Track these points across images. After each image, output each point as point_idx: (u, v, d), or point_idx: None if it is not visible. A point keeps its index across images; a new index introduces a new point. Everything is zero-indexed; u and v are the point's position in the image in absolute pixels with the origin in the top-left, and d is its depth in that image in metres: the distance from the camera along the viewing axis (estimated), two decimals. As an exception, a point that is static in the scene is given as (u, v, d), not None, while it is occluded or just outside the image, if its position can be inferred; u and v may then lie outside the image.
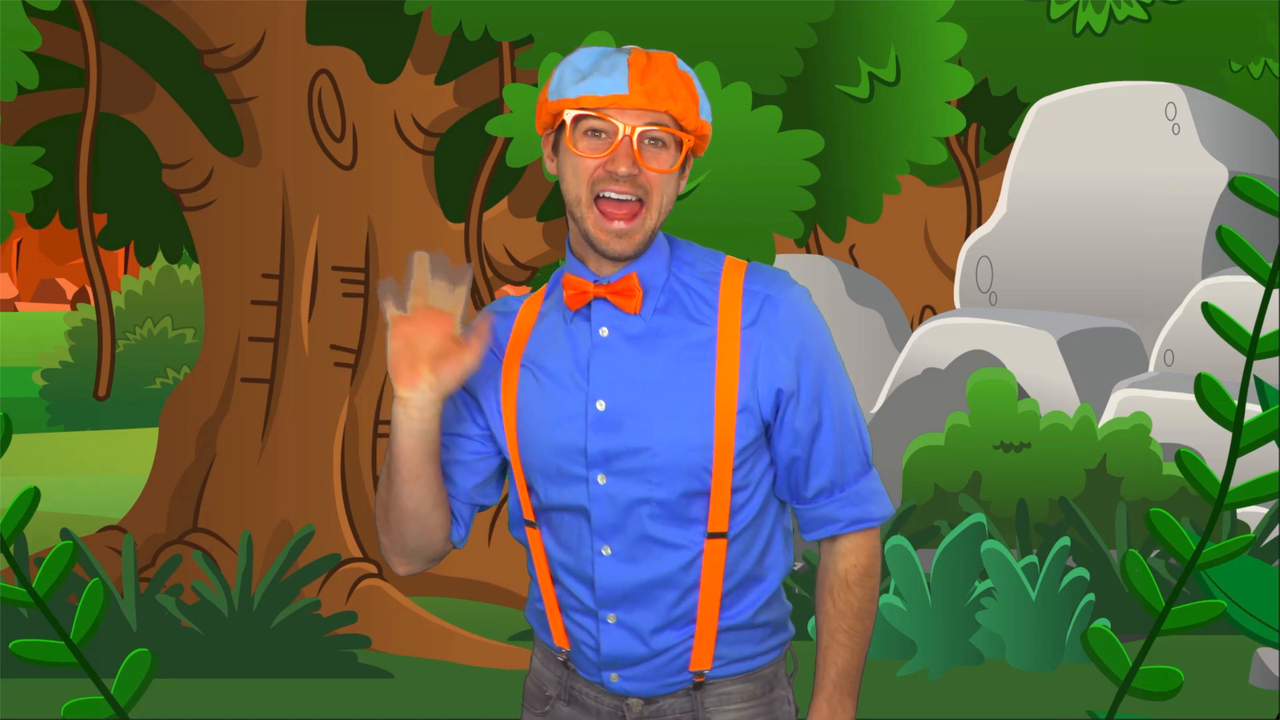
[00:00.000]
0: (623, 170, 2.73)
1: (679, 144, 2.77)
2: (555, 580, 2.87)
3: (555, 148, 2.81)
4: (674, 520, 2.80)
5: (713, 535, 2.81)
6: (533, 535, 2.88)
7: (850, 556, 2.89)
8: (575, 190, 2.77)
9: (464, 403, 2.91)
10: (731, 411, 2.77)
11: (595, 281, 2.80)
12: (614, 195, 2.75)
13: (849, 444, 2.86)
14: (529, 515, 2.88)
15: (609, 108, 2.74)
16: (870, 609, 2.89)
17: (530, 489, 2.86)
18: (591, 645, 2.86)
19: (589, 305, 2.82)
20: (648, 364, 2.79)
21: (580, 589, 2.84)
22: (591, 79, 2.75)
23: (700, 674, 2.86)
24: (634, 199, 2.76)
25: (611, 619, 2.84)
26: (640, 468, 2.78)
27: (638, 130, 2.74)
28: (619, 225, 2.76)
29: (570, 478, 2.81)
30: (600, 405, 2.79)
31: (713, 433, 2.77)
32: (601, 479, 2.80)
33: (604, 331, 2.81)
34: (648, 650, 2.84)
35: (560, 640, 2.90)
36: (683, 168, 2.81)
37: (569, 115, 2.75)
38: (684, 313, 2.81)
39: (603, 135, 2.75)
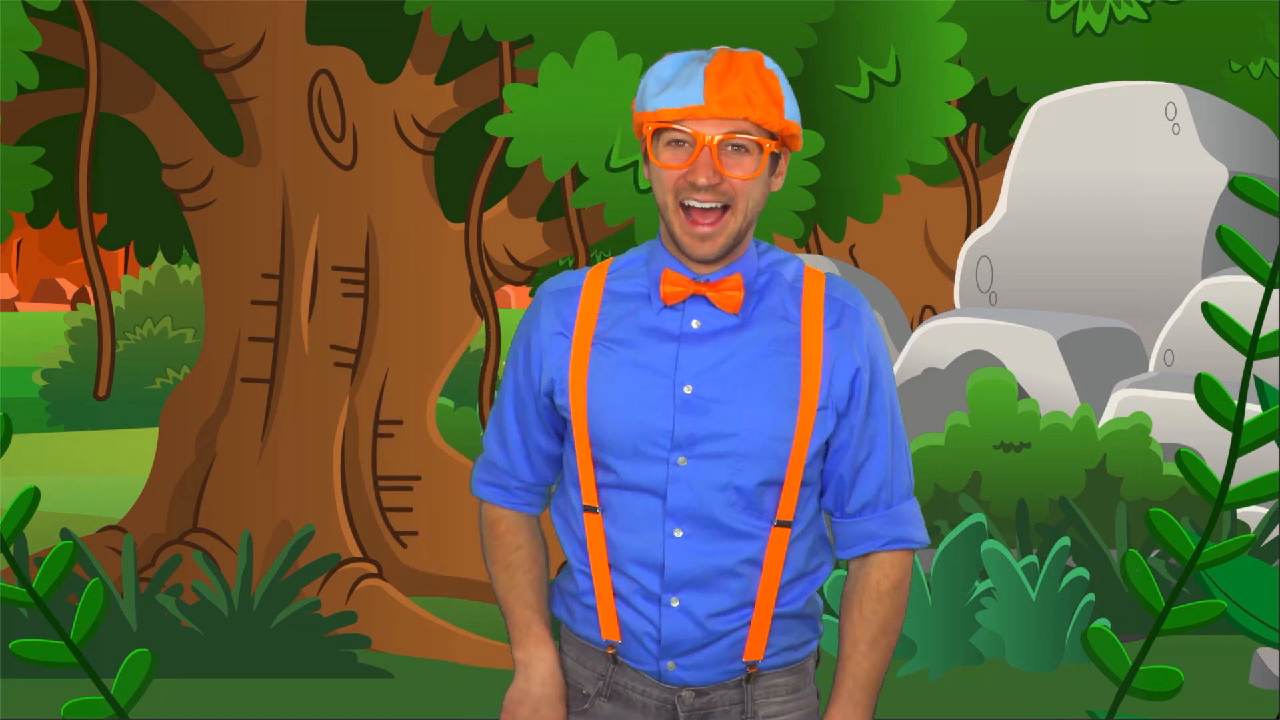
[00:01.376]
0: (702, 181, 2.78)
1: (762, 148, 2.80)
2: (614, 567, 2.89)
3: (645, 157, 2.88)
4: (747, 508, 2.85)
5: (779, 524, 2.87)
6: (591, 521, 2.89)
7: (885, 569, 2.96)
8: (662, 198, 2.83)
9: (533, 384, 2.94)
10: (813, 406, 2.85)
11: (695, 279, 2.85)
12: (697, 204, 2.80)
13: (899, 465, 2.95)
14: (590, 500, 2.88)
15: (686, 120, 2.78)
16: (896, 624, 2.98)
17: (599, 466, 2.88)
18: (652, 633, 2.88)
19: (684, 301, 2.87)
20: (736, 355, 2.84)
21: (644, 573, 2.87)
22: (670, 91, 2.79)
23: (754, 664, 2.91)
24: (717, 206, 2.81)
25: (675, 603, 2.86)
26: (724, 452, 2.83)
27: (716, 139, 2.78)
28: (703, 229, 2.81)
29: (649, 458, 2.84)
30: (688, 389, 2.83)
31: (795, 425, 2.84)
32: (682, 461, 2.84)
33: (696, 324, 2.86)
34: (706, 636, 2.87)
35: (610, 632, 2.90)
36: (772, 169, 2.85)
37: (649, 129, 2.81)
38: (771, 309, 2.87)
39: (684, 145, 2.80)
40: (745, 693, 2.93)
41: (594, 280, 2.92)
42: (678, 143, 2.80)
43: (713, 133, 2.77)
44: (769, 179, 2.85)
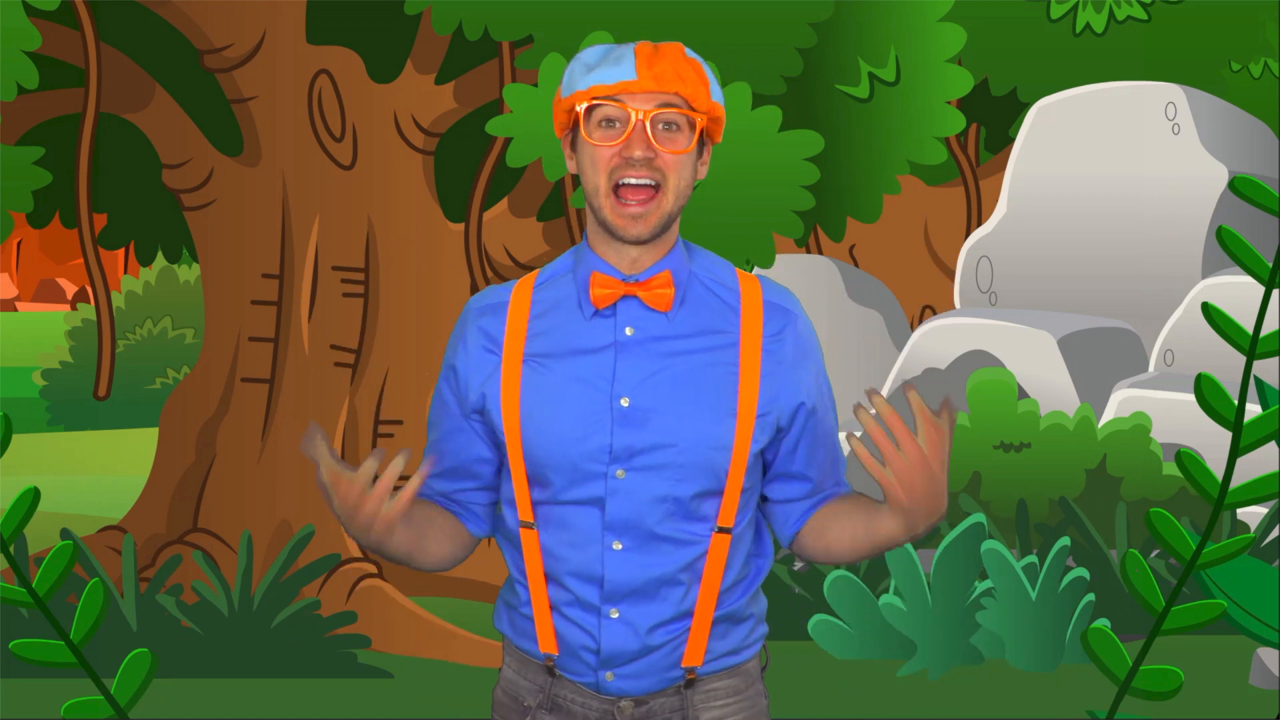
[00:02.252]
0: (638, 154, 2.78)
1: (692, 125, 2.81)
2: (551, 579, 2.87)
3: (574, 145, 2.85)
4: (687, 517, 2.84)
5: (720, 530, 2.86)
6: (527, 537, 2.87)
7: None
8: (594, 180, 2.82)
9: (459, 402, 2.92)
10: (751, 415, 2.83)
11: (624, 279, 2.84)
12: (632, 181, 2.79)
13: (840, 458, 2.97)
14: (525, 516, 2.87)
15: (619, 94, 2.79)
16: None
17: (535, 484, 2.86)
18: (590, 645, 2.86)
19: (614, 304, 2.85)
20: (672, 364, 2.83)
21: (583, 586, 2.85)
22: (600, 69, 2.80)
23: (692, 670, 2.88)
24: (651, 184, 2.80)
25: (614, 614, 2.85)
26: (662, 464, 2.82)
27: (650, 114, 2.79)
28: (634, 209, 2.80)
29: (587, 473, 2.83)
30: (625, 401, 2.82)
31: (734, 434, 2.83)
32: (620, 474, 2.82)
33: (629, 330, 2.84)
34: (644, 645, 2.86)
35: (547, 645, 2.89)
36: (700, 151, 2.85)
37: (581, 107, 2.80)
38: (706, 315, 2.86)
39: (616, 124, 2.80)
40: (685, 699, 2.90)
41: (520, 294, 2.90)
42: (609, 122, 2.80)
43: (644, 107, 2.78)
44: (696, 162, 2.85)
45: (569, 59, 7.67)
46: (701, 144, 2.85)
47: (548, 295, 2.89)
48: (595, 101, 2.80)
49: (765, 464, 2.94)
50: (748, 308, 2.86)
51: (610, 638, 2.85)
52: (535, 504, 2.87)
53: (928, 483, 2.76)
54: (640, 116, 2.78)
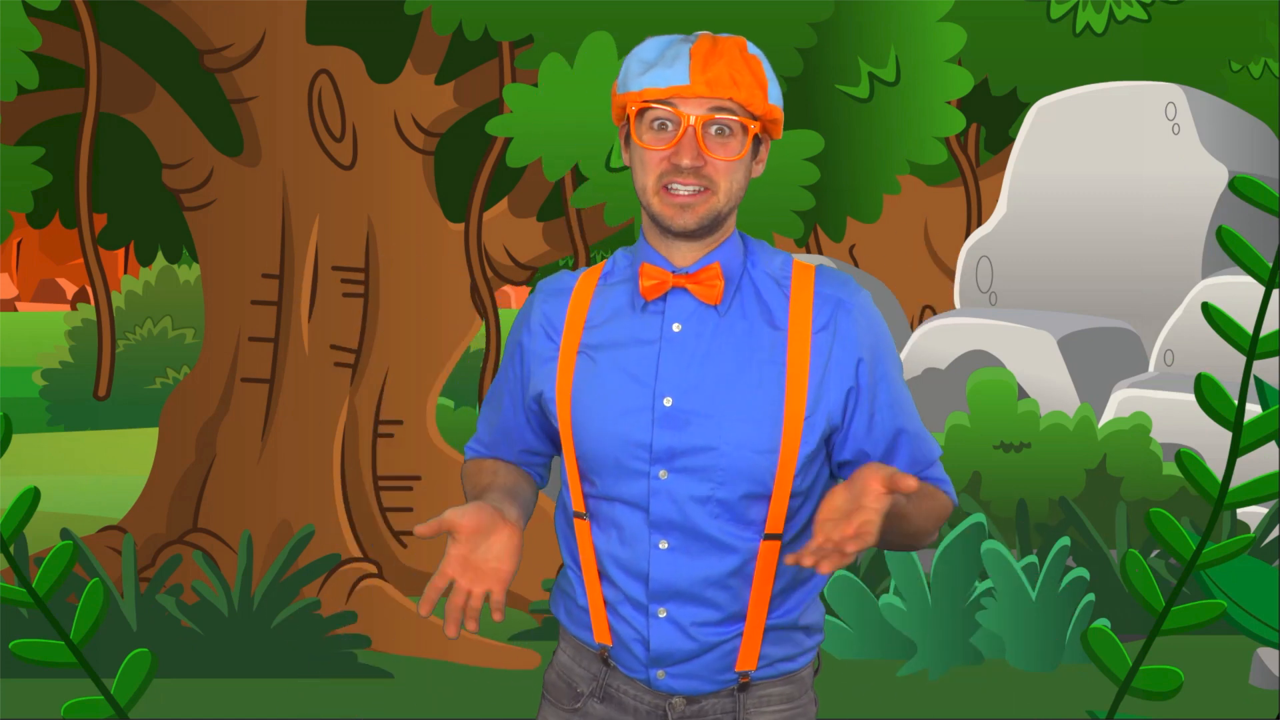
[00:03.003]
0: (686, 162, 2.75)
1: (745, 130, 2.77)
2: (603, 574, 2.86)
3: (626, 140, 2.83)
4: (733, 520, 2.81)
5: (769, 537, 2.82)
6: (580, 527, 2.87)
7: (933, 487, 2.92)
8: (643, 180, 2.80)
9: (522, 385, 2.95)
10: (799, 417, 2.79)
11: (675, 271, 2.81)
12: (680, 188, 2.76)
13: (920, 442, 2.89)
14: (578, 506, 2.86)
15: (671, 98, 2.75)
16: (927, 531, 2.86)
17: (584, 478, 2.85)
18: (640, 641, 2.86)
19: (664, 296, 2.82)
20: (718, 363, 2.80)
21: (631, 583, 2.84)
22: (654, 71, 2.76)
23: (745, 674, 2.87)
24: (699, 189, 2.77)
25: (662, 613, 2.84)
26: (704, 466, 2.79)
27: (700, 120, 2.75)
28: (683, 198, 2.76)
29: (630, 472, 2.81)
30: (667, 401, 2.79)
31: (780, 437, 2.78)
32: (663, 474, 2.80)
33: (676, 327, 2.81)
34: (697, 646, 2.84)
35: (602, 636, 2.88)
36: (754, 153, 2.81)
37: (633, 109, 2.77)
38: (757, 312, 2.82)
39: (668, 127, 2.76)
40: (738, 702, 2.90)
41: (585, 283, 2.89)
42: (661, 124, 2.77)
43: (697, 112, 2.74)
44: (750, 163, 2.81)
45: (569, 59, 7.70)
46: (758, 143, 2.82)
47: (609, 287, 2.88)
48: (646, 104, 2.76)
49: (832, 461, 2.88)
50: (797, 300, 2.82)
51: (659, 636, 2.84)
52: (586, 497, 2.86)
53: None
54: (692, 122, 2.74)
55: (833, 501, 2.62)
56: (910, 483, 2.58)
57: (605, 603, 2.87)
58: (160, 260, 17.74)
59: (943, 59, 8.59)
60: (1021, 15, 12.11)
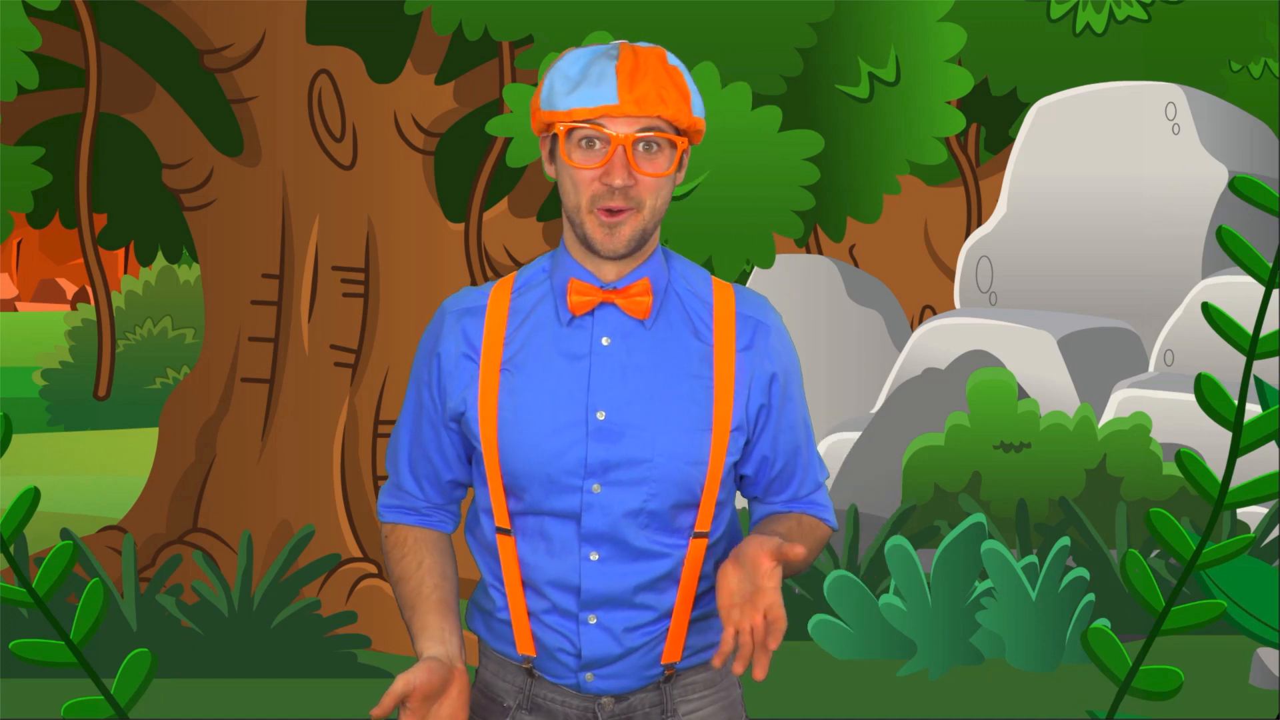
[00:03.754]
0: (618, 182, 2.75)
1: (674, 146, 2.79)
2: (529, 586, 2.87)
3: (551, 155, 2.83)
4: (662, 529, 2.84)
5: (696, 535, 2.86)
6: (504, 544, 2.86)
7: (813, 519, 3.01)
8: (574, 200, 2.79)
9: (440, 410, 2.90)
10: (726, 429, 2.84)
11: (603, 287, 2.82)
12: (611, 207, 2.77)
13: (813, 459, 2.98)
14: (502, 523, 2.86)
15: (600, 118, 2.75)
16: (815, 550, 2.96)
17: (510, 495, 2.85)
18: (570, 649, 2.87)
19: (591, 311, 2.83)
20: (648, 375, 2.82)
21: (560, 594, 2.85)
22: (581, 89, 2.76)
23: (671, 666, 2.90)
24: (630, 207, 2.78)
25: (592, 620, 2.85)
26: (638, 479, 2.81)
27: (631, 138, 2.76)
28: (612, 221, 2.77)
29: (563, 486, 2.81)
30: (600, 415, 2.80)
31: (709, 448, 2.83)
32: (596, 488, 2.81)
33: (605, 341, 2.82)
34: (624, 648, 2.87)
35: (525, 648, 2.88)
36: (680, 166, 2.82)
37: (561, 129, 2.77)
38: (683, 325, 2.85)
39: (596, 145, 2.77)
40: (664, 694, 2.92)
41: (499, 298, 2.87)
42: (589, 142, 2.77)
43: (626, 131, 2.75)
44: (675, 177, 2.82)
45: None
46: (682, 158, 2.83)
47: (525, 301, 2.86)
48: (575, 125, 2.76)
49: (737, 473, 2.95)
50: (720, 319, 2.86)
51: (590, 643, 2.86)
52: (512, 514, 2.86)
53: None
54: (621, 140, 2.75)
55: (728, 584, 2.70)
56: (797, 550, 2.67)
57: (529, 614, 2.87)
58: (160, 260, 17.74)
59: (943, 59, 8.59)
60: (1021, 15, 12.11)
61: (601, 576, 2.83)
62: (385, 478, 9.41)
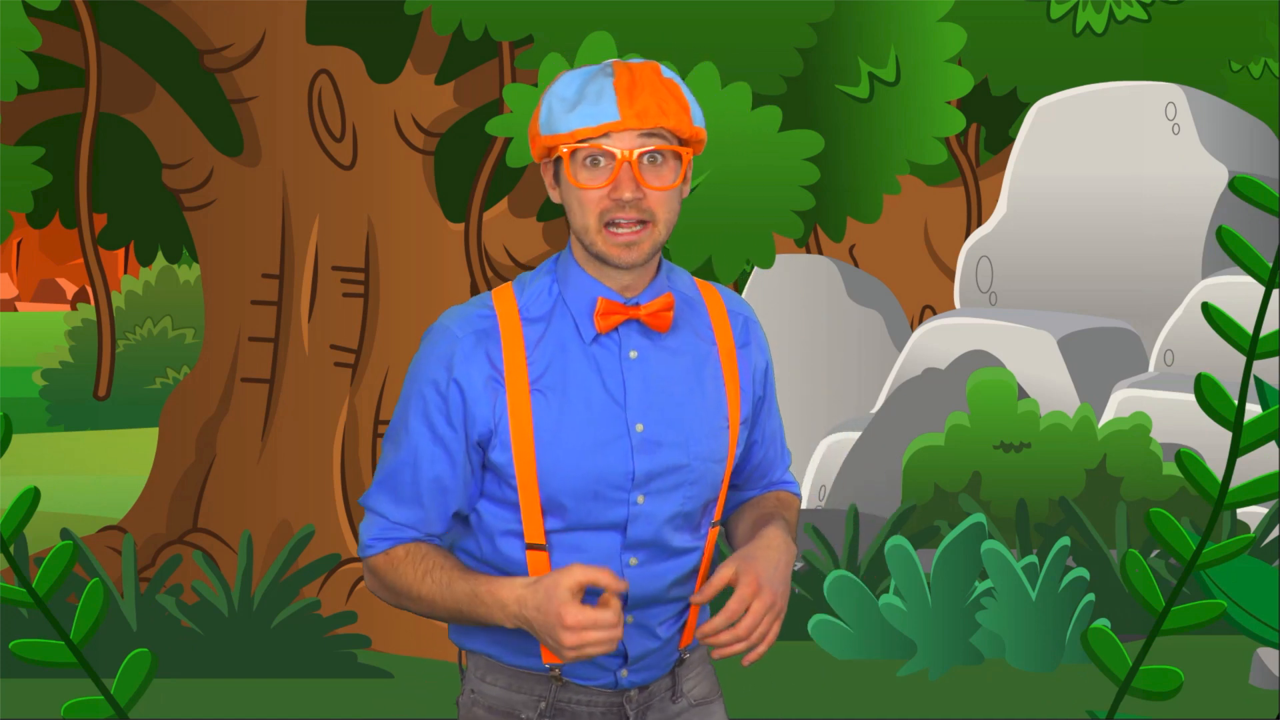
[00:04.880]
0: (627, 196, 2.76)
1: (678, 157, 2.81)
2: None
3: (556, 177, 2.84)
4: (691, 528, 2.93)
5: (713, 525, 2.97)
6: (536, 559, 2.85)
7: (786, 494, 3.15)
8: (583, 220, 2.80)
9: (462, 434, 2.85)
10: (737, 423, 2.93)
11: (626, 304, 2.84)
12: (622, 220, 2.78)
13: (783, 439, 3.13)
14: (535, 539, 2.85)
15: (603, 135, 2.76)
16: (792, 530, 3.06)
17: (549, 514, 2.84)
18: (615, 651, 2.91)
19: (616, 328, 2.85)
20: (673, 384, 2.88)
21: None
22: (580, 109, 2.77)
23: (686, 651, 3.00)
24: (641, 222, 2.80)
25: (629, 620, 2.91)
26: (677, 485, 2.88)
27: (636, 153, 2.77)
28: (627, 236, 2.79)
29: (610, 501, 2.84)
30: (639, 428, 2.84)
31: (728, 445, 2.92)
32: (641, 499, 2.85)
33: (633, 354, 2.85)
34: (660, 641, 2.95)
35: (553, 657, 2.89)
36: (685, 178, 2.85)
37: (565, 150, 2.78)
38: (688, 330, 2.91)
39: (601, 163, 2.78)
40: (676, 676, 3.01)
41: (508, 317, 2.84)
42: (594, 161, 2.78)
43: (630, 146, 2.77)
44: (682, 187, 2.84)
45: (569, 59, 7.69)
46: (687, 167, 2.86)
47: (538, 319, 2.85)
48: (579, 145, 2.77)
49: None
50: (716, 318, 2.93)
51: (633, 642, 2.92)
52: (549, 532, 2.86)
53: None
54: (626, 156, 2.76)
55: (753, 580, 2.86)
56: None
57: None
58: (160, 260, 17.75)
59: (943, 59, 8.59)
60: (1021, 15, 12.11)
61: (641, 580, 2.89)
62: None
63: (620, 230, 2.78)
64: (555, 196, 2.84)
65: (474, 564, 2.90)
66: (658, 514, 2.86)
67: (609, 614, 2.72)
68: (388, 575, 2.90)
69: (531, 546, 2.85)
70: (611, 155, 2.76)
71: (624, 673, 2.93)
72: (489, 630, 2.91)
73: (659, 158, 2.79)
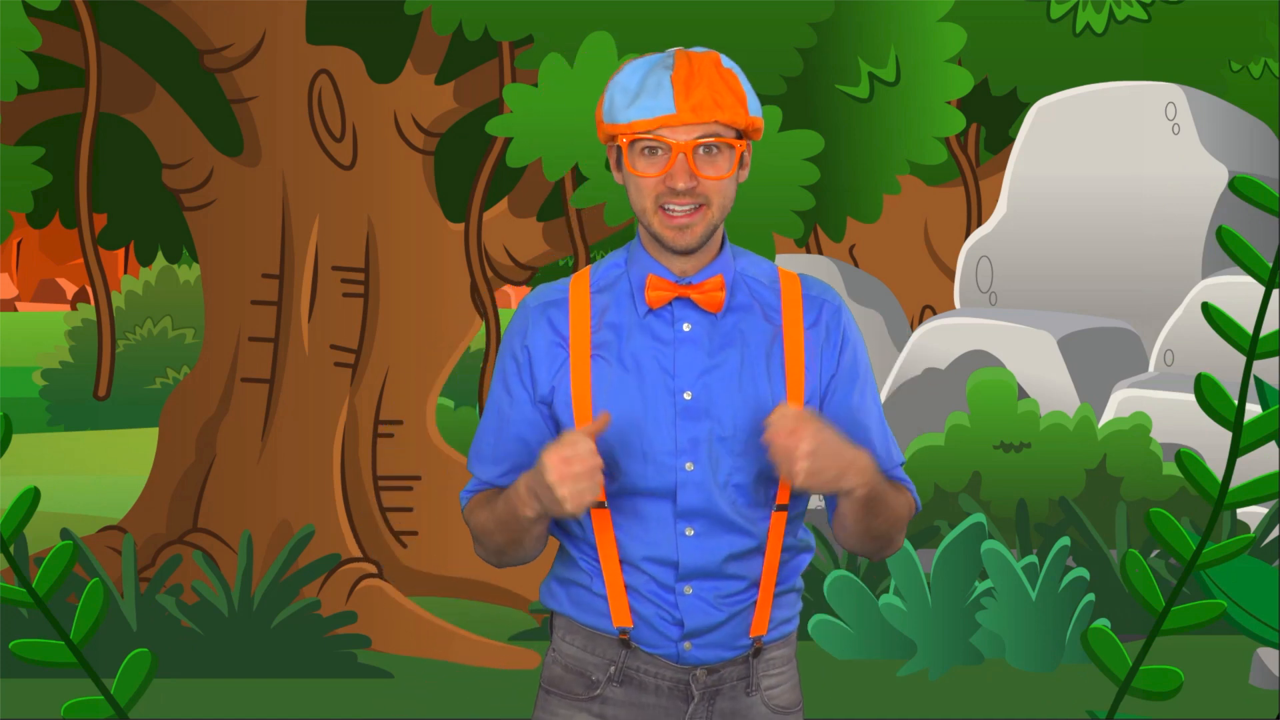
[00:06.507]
0: (681, 186, 2.90)
1: (733, 149, 2.92)
2: (625, 562, 2.99)
3: (618, 163, 2.98)
4: (749, 503, 2.98)
5: (778, 509, 3.00)
6: (600, 517, 2.98)
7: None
8: (640, 204, 2.95)
9: (531, 391, 3.01)
10: (799, 401, 2.98)
11: (678, 282, 2.96)
12: (676, 208, 2.91)
13: (890, 440, 3.10)
14: (599, 497, 2.95)
15: (659, 128, 2.89)
16: (901, 524, 3.04)
17: (608, 475, 2.96)
18: (671, 619, 2.98)
19: (670, 304, 2.98)
20: (727, 356, 2.97)
21: (658, 569, 2.98)
22: (640, 101, 2.90)
23: (759, 639, 3.02)
24: (695, 206, 2.92)
25: (688, 590, 2.97)
26: (725, 454, 2.96)
27: (690, 145, 2.89)
28: (681, 220, 2.92)
29: (658, 465, 2.95)
30: (687, 395, 2.95)
31: None
32: (689, 466, 2.95)
33: (686, 327, 2.97)
34: (724, 615, 2.99)
35: (622, 620, 2.99)
36: (741, 164, 2.96)
37: (624, 140, 2.92)
38: (753, 310, 3.00)
39: (658, 153, 2.91)
40: (751, 667, 3.04)
41: (579, 290, 3.02)
42: (651, 151, 2.91)
43: (686, 139, 2.89)
44: (739, 174, 2.97)
45: (569, 59, 7.70)
46: (743, 156, 2.97)
47: (605, 293, 3.01)
48: (637, 136, 2.90)
49: None
50: (788, 301, 3.01)
51: (690, 612, 2.98)
52: (609, 495, 2.98)
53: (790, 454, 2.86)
54: (681, 147, 2.89)
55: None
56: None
57: (626, 587, 2.99)
58: (160, 260, 17.73)
59: (943, 59, 8.59)
60: (1021, 15, 12.10)
61: (698, 551, 2.97)
62: (385, 477, 9.44)
63: (675, 213, 2.91)
64: (618, 179, 2.98)
65: (551, 525, 3.03)
66: (706, 482, 2.95)
67: (579, 438, 2.84)
68: (471, 525, 3.08)
69: (596, 505, 2.96)
70: (668, 147, 2.90)
71: (687, 645, 2.99)
72: (567, 588, 3.03)
73: (714, 149, 2.91)
